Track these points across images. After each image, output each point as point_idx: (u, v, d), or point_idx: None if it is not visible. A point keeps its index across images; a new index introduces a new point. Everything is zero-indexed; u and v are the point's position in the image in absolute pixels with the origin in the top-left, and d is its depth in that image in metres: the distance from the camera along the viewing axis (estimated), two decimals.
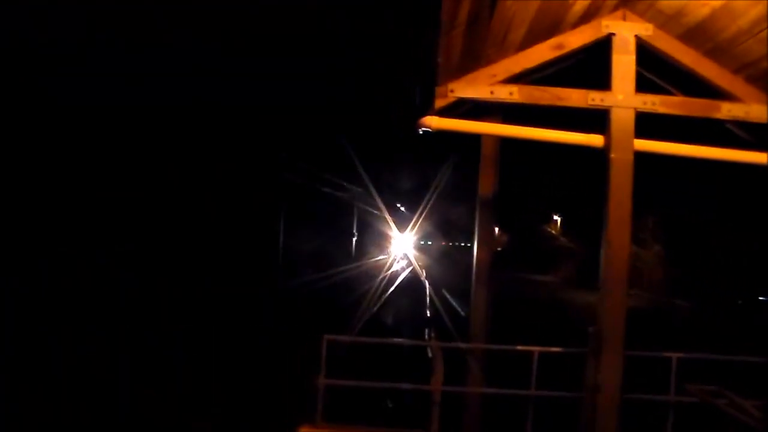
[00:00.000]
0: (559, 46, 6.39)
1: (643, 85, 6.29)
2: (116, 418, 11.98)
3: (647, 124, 6.23)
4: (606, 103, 6.09)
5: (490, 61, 6.42)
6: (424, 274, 42.44)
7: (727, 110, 6.34)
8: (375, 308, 28.27)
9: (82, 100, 28.53)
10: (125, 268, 26.87)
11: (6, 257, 22.80)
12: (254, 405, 13.25)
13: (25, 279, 22.41)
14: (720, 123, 6.56)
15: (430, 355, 9.42)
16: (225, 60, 35.70)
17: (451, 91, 6.30)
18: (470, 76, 6.38)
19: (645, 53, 6.31)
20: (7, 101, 24.94)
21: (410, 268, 45.78)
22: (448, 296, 29.87)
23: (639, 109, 6.10)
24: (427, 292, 31.71)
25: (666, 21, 6.17)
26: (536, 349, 8.71)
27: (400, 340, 9.99)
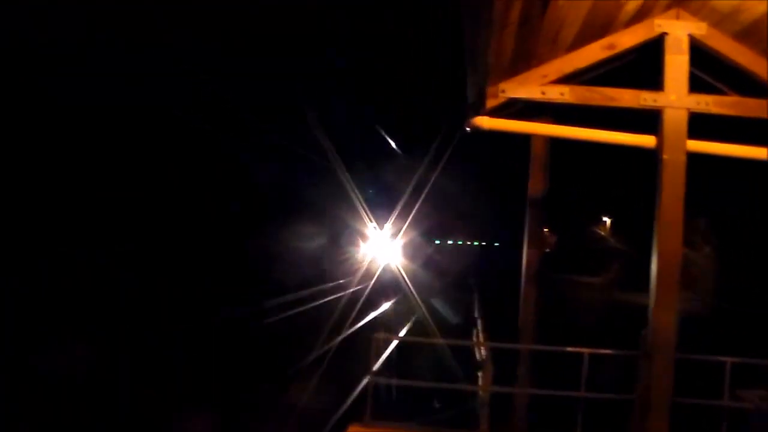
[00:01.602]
0: (611, 46, 6.35)
1: (696, 85, 6.23)
2: (116, 419, 11.99)
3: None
4: (658, 104, 6.04)
5: (541, 61, 6.41)
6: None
7: None
8: None
9: (81, 100, 28.40)
10: (125, 268, 26.87)
11: (6, 257, 22.79)
12: (253, 403, 13.24)
13: (25, 279, 22.42)
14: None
15: (477, 356, 9.43)
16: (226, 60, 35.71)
17: (503, 91, 6.31)
18: (521, 77, 6.38)
19: (698, 52, 6.25)
20: (8, 101, 24.79)
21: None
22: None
23: (692, 110, 6.04)
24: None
25: (720, 19, 6.09)
26: (586, 350, 8.65)
27: (448, 340, 9.99)
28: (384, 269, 40.96)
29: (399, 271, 39.69)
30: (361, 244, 49.24)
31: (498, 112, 6.48)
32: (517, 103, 6.58)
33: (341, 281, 35.67)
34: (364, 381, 8.81)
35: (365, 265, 43.14)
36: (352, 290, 30.48)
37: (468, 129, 6.49)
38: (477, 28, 5.67)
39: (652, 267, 6.09)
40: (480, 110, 6.35)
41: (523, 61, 6.36)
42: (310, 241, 45.35)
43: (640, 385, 6.77)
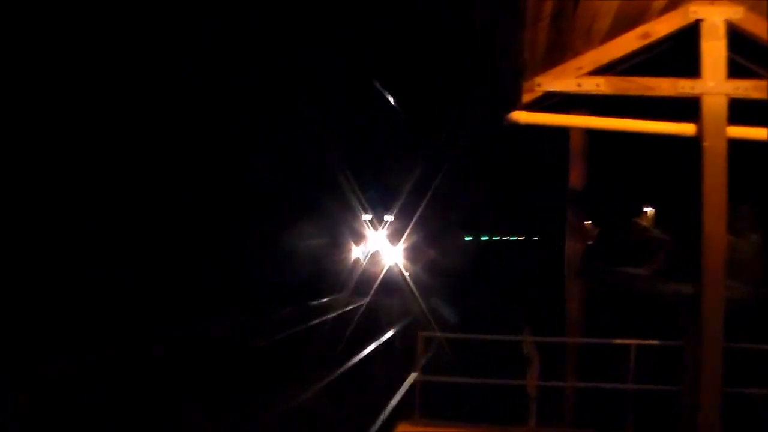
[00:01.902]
0: (646, 35, 6.30)
1: (734, 70, 6.14)
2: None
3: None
4: (696, 91, 5.97)
5: (575, 53, 6.38)
6: None
7: None
8: None
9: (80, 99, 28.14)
10: (123, 267, 26.85)
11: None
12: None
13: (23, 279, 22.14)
14: None
15: (525, 351, 9.44)
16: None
17: (538, 85, 6.29)
18: (557, 70, 6.36)
19: (736, 37, 6.16)
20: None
21: None
22: None
23: (731, 96, 5.95)
24: None
25: (757, 2, 6.01)
26: (633, 342, 8.61)
27: (494, 336, 9.98)
28: (389, 276, 36.42)
29: (404, 277, 35.09)
30: (361, 246, 42.60)
31: (534, 105, 6.46)
32: (553, 96, 6.55)
33: (326, 299, 30.27)
34: (411, 379, 8.85)
35: (368, 271, 37.65)
36: (338, 312, 25.89)
37: (505, 124, 6.48)
38: (511, 22, 5.67)
39: (697, 256, 6.02)
40: (516, 105, 6.34)
41: (557, 54, 6.34)
42: (301, 241, 40.28)
43: (688, 375, 6.72)
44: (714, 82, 5.93)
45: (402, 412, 9.51)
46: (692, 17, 6.05)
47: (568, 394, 9.36)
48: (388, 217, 42.40)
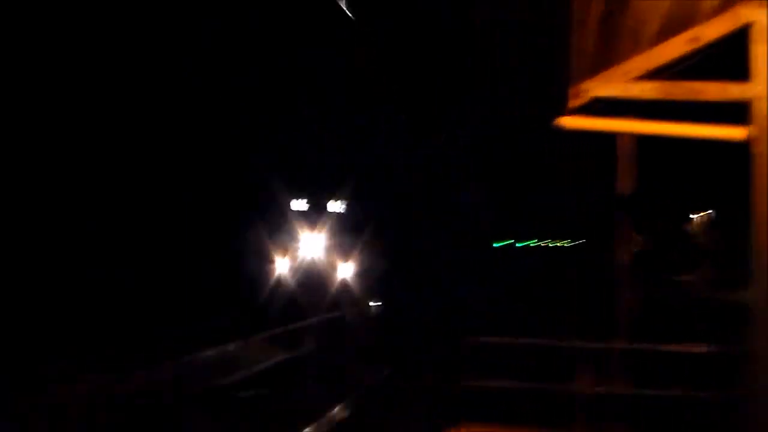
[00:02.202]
0: (695, 39, 6.21)
1: None
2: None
3: None
4: (746, 96, 5.86)
5: (623, 57, 6.32)
6: None
7: None
8: None
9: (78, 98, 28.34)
10: (123, 265, 26.65)
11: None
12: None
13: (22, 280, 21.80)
14: None
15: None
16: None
17: (585, 90, 6.25)
18: (604, 75, 6.31)
19: None
20: None
21: None
22: None
23: None
24: None
25: None
26: (683, 349, 8.51)
27: (545, 341, 9.96)
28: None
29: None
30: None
31: (581, 110, 6.42)
32: (599, 102, 6.51)
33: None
34: (459, 383, 8.85)
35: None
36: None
37: (554, 129, 6.47)
38: (558, 27, 5.66)
39: (751, 263, 5.91)
40: (563, 110, 6.31)
41: (605, 59, 6.29)
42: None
43: (744, 384, 6.61)
44: (765, 86, 5.83)
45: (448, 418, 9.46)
46: (742, 20, 5.95)
47: (618, 400, 9.28)
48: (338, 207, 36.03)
